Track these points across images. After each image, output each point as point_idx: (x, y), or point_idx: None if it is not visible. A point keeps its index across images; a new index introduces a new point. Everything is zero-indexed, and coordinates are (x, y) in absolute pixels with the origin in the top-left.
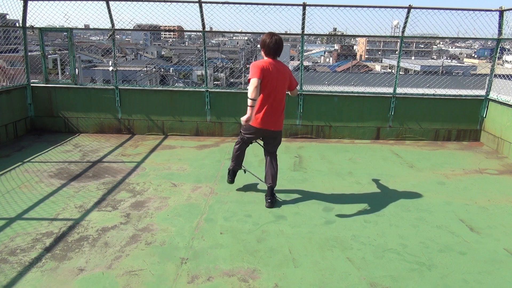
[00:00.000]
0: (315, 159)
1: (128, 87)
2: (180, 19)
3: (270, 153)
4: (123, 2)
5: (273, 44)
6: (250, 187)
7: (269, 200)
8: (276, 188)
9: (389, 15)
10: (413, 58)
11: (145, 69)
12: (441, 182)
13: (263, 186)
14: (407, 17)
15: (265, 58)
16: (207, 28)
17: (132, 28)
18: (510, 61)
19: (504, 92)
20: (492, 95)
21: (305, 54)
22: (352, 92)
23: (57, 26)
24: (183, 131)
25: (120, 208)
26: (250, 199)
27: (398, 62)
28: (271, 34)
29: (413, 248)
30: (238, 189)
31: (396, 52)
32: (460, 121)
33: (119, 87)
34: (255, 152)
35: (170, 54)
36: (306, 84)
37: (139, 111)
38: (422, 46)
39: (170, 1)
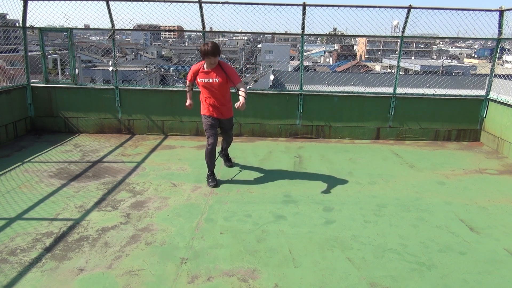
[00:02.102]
0: (315, 159)
1: (128, 87)
2: (180, 19)
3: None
4: (123, 2)
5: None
6: (250, 187)
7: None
8: (276, 187)
9: (389, 15)
10: (413, 58)
11: (145, 69)
12: (441, 182)
13: (263, 185)
14: (407, 17)
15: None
16: (207, 28)
17: (132, 28)
18: (510, 61)
19: (504, 92)
20: (492, 95)
21: (305, 54)
22: (352, 92)
23: (57, 26)
24: (183, 131)
25: (120, 208)
26: (250, 199)
27: (398, 62)
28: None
29: (413, 248)
30: (238, 189)
31: (396, 52)
32: (460, 121)
33: (119, 87)
34: (255, 152)
35: (170, 54)
36: (306, 84)
37: (139, 111)
38: (422, 46)
39: (170, 1)
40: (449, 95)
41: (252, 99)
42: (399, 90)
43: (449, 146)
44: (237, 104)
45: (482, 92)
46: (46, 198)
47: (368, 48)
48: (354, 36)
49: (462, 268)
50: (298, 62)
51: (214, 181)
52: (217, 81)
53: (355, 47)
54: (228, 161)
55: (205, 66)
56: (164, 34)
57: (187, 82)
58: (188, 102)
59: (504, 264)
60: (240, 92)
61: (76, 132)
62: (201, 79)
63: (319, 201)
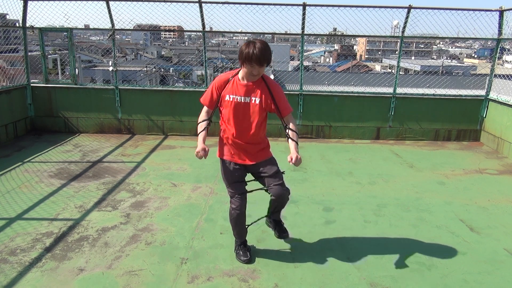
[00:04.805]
0: (315, 159)
1: (128, 87)
2: (180, 19)
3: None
4: (123, 2)
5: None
6: (249, 187)
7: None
8: None
9: (389, 15)
10: (413, 58)
11: (145, 69)
12: (441, 182)
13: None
14: (407, 17)
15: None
16: (207, 28)
17: (132, 28)
18: (510, 61)
19: (504, 92)
20: (492, 95)
21: (305, 54)
22: (352, 92)
23: (57, 26)
24: (183, 131)
25: (120, 208)
26: (250, 199)
27: (398, 62)
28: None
29: (413, 248)
30: None
31: (396, 52)
32: (460, 121)
33: (119, 87)
34: None
35: (170, 54)
36: (306, 84)
37: (139, 111)
38: (422, 46)
39: (170, 1)
40: (449, 95)
41: None
42: (399, 90)
43: (449, 146)
44: (290, 157)
45: (482, 92)
46: (46, 198)
47: (368, 48)
48: (354, 36)
49: (462, 268)
50: (298, 62)
51: (247, 255)
52: (257, 102)
53: (355, 47)
54: (282, 231)
55: (240, 76)
56: (164, 34)
57: (203, 110)
58: (199, 147)
59: (504, 264)
60: (291, 134)
61: (76, 132)
62: (232, 96)
63: (319, 201)
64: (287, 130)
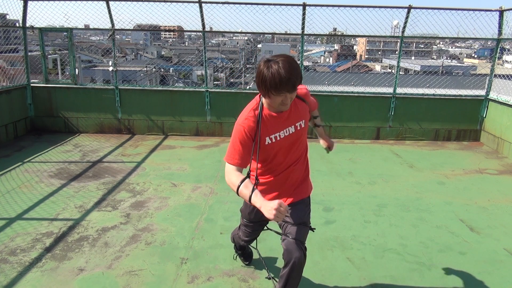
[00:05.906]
0: (315, 159)
1: (128, 87)
2: (180, 19)
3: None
4: (123, 2)
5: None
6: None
7: None
8: None
9: (389, 15)
10: (413, 58)
11: (145, 69)
12: (441, 182)
13: None
14: (407, 17)
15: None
16: (207, 28)
17: (132, 28)
18: (510, 61)
19: (504, 92)
20: (492, 95)
21: (305, 54)
22: (352, 92)
23: (57, 26)
24: (183, 131)
25: (120, 208)
26: None
27: (398, 62)
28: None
29: (413, 248)
30: None
31: (396, 52)
32: (460, 121)
33: (119, 87)
34: None
35: (170, 54)
36: (306, 84)
37: (139, 111)
38: (422, 46)
39: (170, 1)
40: (449, 95)
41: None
42: (399, 90)
43: (449, 146)
44: (327, 144)
45: (482, 92)
46: (46, 198)
47: (368, 48)
48: (354, 36)
49: (462, 268)
50: (298, 62)
51: (248, 259)
52: (303, 125)
53: (355, 47)
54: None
55: (265, 105)
56: (164, 34)
57: (232, 169)
58: (275, 204)
59: (504, 264)
60: (318, 123)
61: (76, 132)
62: (273, 136)
63: (319, 201)
64: (315, 121)
